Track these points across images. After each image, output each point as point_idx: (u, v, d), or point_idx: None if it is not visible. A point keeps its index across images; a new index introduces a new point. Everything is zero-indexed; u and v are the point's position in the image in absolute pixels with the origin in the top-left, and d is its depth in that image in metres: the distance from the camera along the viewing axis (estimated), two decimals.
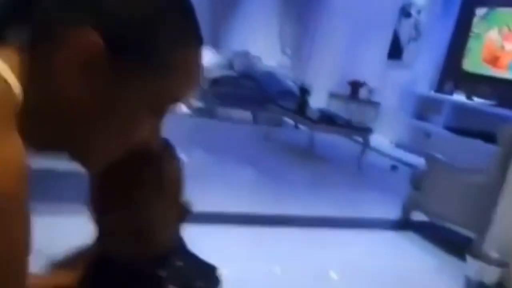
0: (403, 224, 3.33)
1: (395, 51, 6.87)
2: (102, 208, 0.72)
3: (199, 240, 2.67)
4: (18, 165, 0.44)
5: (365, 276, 2.51)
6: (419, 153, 5.34)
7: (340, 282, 2.44)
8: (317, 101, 6.02)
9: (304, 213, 3.29)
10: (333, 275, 2.49)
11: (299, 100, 5.19)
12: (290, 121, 6.10)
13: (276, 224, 3.01)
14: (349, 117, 5.58)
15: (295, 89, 6.57)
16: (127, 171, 0.69)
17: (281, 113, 5.49)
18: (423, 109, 6.32)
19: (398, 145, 6.35)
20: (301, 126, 5.76)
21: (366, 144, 4.74)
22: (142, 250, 0.72)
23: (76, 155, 0.57)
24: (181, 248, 0.83)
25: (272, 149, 5.09)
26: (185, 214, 0.82)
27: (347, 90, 7.14)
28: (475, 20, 5.99)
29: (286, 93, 6.49)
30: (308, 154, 4.57)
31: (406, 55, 6.72)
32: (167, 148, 0.76)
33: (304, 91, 5.13)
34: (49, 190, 2.80)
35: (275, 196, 3.58)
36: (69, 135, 0.54)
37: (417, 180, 3.33)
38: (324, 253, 2.70)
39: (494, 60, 5.74)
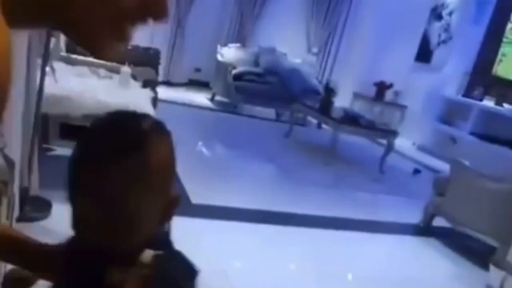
0: (425, 230, 3.28)
1: (424, 54, 6.75)
2: (76, 187, 0.64)
3: (215, 234, 2.69)
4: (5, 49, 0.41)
5: (383, 280, 2.48)
6: (443, 157, 5.26)
7: (357, 286, 2.42)
8: (342, 100, 5.97)
9: (323, 214, 3.27)
10: (351, 277, 2.47)
11: (324, 99, 5.15)
12: (313, 120, 6.07)
13: (294, 223, 3.00)
14: (374, 119, 5.51)
15: (320, 88, 6.53)
16: (106, 150, 0.62)
17: (305, 112, 5.46)
18: (450, 114, 6.21)
19: (422, 149, 6.25)
20: (324, 126, 5.73)
21: (390, 147, 4.68)
22: (118, 241, 0.64)
23: (66, 26, 0.50)
24: (164, 239, 0.75)
25: (294, 147, 5.07)
26: (173, 206, 0.71)
27: (372, 91, 7.06)
28: (510, 25, 5.84)
29: (311, 91, 6.45)
30: (330, 154, 4.54)
31: (435, 58, 6.60)
32: (159, 130, 0.67)
33: (330, 90, 5.09)
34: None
35: (295, 194, 3.57)
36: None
37: (441, 186, 3.28)
38: (342, 255, 2.68)
39: None
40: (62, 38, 3.53)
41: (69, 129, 2.88)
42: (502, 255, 2.60)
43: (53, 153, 2.99)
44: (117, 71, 2.83)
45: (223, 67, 6.59)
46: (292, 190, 3.65)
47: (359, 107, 6.87)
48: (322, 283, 2.31)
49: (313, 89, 6.56)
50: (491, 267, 2.49)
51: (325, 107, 4.95)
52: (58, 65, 2.76)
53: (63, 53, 3.37)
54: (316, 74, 7.64)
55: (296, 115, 5.56)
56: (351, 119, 4.72)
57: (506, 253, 2.59)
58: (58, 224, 2.19)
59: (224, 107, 6.51)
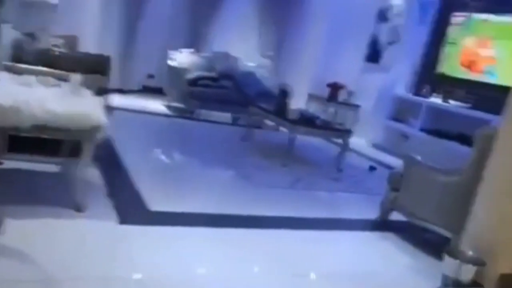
0: (382, 225, 3.37)
1: (374, 54, 6.96)
2: None
3: (177, 241, 2.67)
4: None
5: (344, 276, 2.53)
6: (396, 154, 5.44)
7: (319, 283, 2.45)
8: (297, 102, 6.05)
9: (284, 215, 3.30)
10: (313, 276, 2.50)
11: (278, 101, 5.20)
12: (270, 123, 6.11)
13: (256, 225, 3.02)
14: (329, 119, 5.62)
15: (275, 91, 6.59)
16: None
17: (261, 115, 5.49)
18: (400, 112, 6.43)
19: (376, 146, 6.44)
20: (281, 128, 5.78)
21: (345, 146, 4.79)
22: None
23: None
24: None
25: (252, 150, 5.09)
26: None
27: (326, 92, 7.20)
28: (452, 26, 6.13)
29: (266, 94, 6.50)
30: (288, 155, 4.59)
31: (384, 58, 6.82)
32: None
33: (284, 93, 5.14)
34: (28, 192, 2.75)
35: (255, 197, 3.58)
36: None
37: (395, 181, 3.39)
38: (305, 254, 2.71)
39: (470, 65, 5.89)
40: (6, 46, 3.39)
41: (18, 141, 2.76)
42: (455, 244, 2.72)
43: (1, 167, 2.86)
44: (66, 80, 2.74)
45: (176, 73, 6.53)
46: (252, 192, 3.66)
47: (314, 108, 6.98)
48: (286, 283, 2.33)
49: (268, 92, 6.61)
50: (445, 257, 2.59)
51: (280, 109, 5.00)
52: (2, 75, 2.64)
53: (7, 62, 3.23)
54: (271, 77, 7.70)
55: (253, 118, 5.59)
56: (306, 120, 4.80)
57: (459, 243, 2.71)
58: (11, 241, 2.09)
59: (180, 113, 6.44)
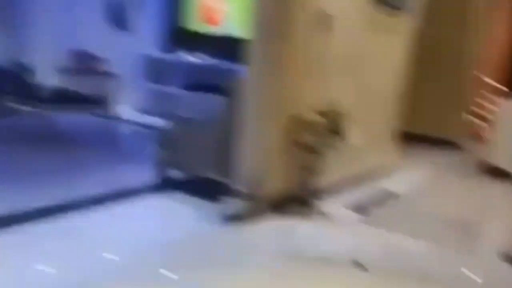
0: (164, 186, 3.45)
1: (121, 20, 6.83)
2: None
3: None
4: None
5: (139, 244, 2.54)
6: (163, 115, 5.57)
7: (118, 258, 2.39)
8: (46, 79, 5.51)
9: (65, 201, 3.01)
10: (109, 255, 2.41)
11: (18, 80, 4.60)
12: (24, 107, 5.42)
13: (32, 219, 2.69)
14: (88, 91, 5.31)
15: (14, 69, 5.84)
16: None
17: (4, 99, 4.79)
18: (157, 73, 6.55)
19: (143, 111, 6.46)
20: (34, 110, 5.21)
21: (108, 116, 4.65)
22: None
23: None
24: None
25: (7, 141, 4.45)
26: None
27: (81, 65, 6.78)
28: None
29: (6, 75, 5.71)
30: (52, 138, 4.19)
31: (131, 22, 6.76)
32: None
33: (24, 70, 4.59)
34: None
35: (26, 189, 3.18)
36: None
37: (166, 141, 3.49)
38: (98, 236, 2.58)
39: (209, 20, 6.36)
40: None
41: None
42: (229, 186, 3.01)
43: None
44: None
45: None
46: (21, 186, 3.22)
47: (69, 83, 6.51)
48: (88, 270, 2.20)
49: (6, 72, 5.81)
50: (223, 198, 2.87)
51: (23, 89, 4.44)
52: None
53: None
54: (6, 54, 6.77)
55: None
56: (61, 97, 4.44)
57: (232, 184, 3.01)
58: None
59: None
